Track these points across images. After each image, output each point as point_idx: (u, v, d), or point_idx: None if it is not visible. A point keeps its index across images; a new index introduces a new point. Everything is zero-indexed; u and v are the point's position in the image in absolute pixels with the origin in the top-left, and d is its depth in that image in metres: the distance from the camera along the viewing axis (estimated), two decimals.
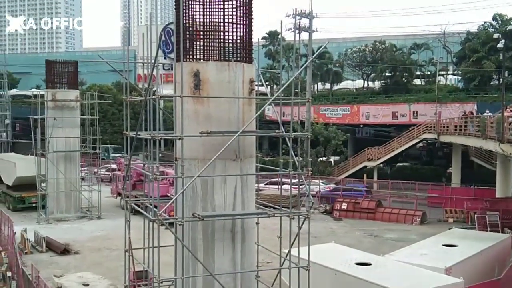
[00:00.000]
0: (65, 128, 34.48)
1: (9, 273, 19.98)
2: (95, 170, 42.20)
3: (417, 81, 67.61)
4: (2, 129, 56.36)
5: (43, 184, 34.61)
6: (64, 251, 25.58)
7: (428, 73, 68.88)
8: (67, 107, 34.81)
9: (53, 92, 34.74)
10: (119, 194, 37.57)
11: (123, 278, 15.10)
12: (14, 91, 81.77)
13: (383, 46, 65.77)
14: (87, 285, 18.48)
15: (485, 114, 38.27)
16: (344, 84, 75.78)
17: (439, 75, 63.54)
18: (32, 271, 16.93)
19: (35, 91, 45.81)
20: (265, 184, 37.73)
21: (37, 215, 33.24)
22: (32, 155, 35.92)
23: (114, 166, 48.57)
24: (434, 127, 43.13)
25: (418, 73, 67.60)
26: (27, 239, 25.98)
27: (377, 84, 69.30)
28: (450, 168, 44.54)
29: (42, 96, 36.01)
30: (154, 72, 12.73)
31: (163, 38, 70.83)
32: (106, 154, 60.31)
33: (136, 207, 14.80)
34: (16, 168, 37.35)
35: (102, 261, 24.02)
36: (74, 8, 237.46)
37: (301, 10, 46.99)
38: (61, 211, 34.55)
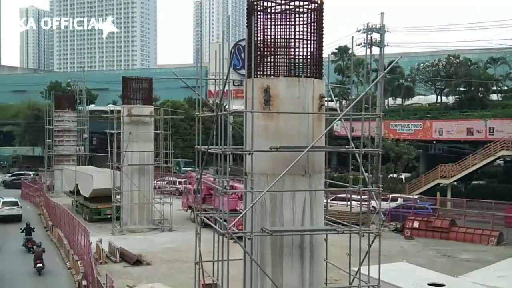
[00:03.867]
0: (140, 142, 35.61)
1: (84, 282, 20.74)
2: (159, 182, 43.28)
3: (494, 96, 65.09)
4: (80, 143, 58.79)
5: (118, 196, 35.80)
6: (137, 262, 26.23)
7: (506, 88, 66.14)
8: (142, 122, 35.97)
9: (129, 107, 36.03)
10: (190, 207, 38.27)
11: None
12: (92, 107, 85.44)
13: (457, 60, 63.86)
14: None
15: None
16: (416, 99, 74.07)
17: None
18: (107, 281, 17.48)
19: (111, 107, 47.75)
20: (331, 200, 37.32)
21: (112, 226, 34.37)
22: (108, 168, 37.22)
23: (175, 179, 49.36)
24: (511, 144, 41.30)
25: (494, 88, 65.08)
26: (102, 249, 26.87)
27: (451, 99, 67.27)
28: None
29: (119, 111, 37.41)
30: (226, 88, 12.97)
31: (234, 54, 72.10)
32: (177, 168, 61.75)
33: (206, 220, 15.06)
34: (93, 181, 38.78)
35: (173, 272, 24.47)
36: (149, 27, 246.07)
37: (372, 25, 46.49)
38: (134, 223, 35.58)
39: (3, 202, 39.19)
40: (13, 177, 62.30)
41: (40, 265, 24.37)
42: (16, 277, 23.98)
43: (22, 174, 63.60)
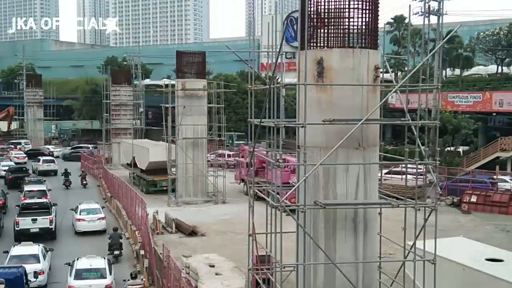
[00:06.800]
0: (194, 116, 35.97)
1: (142, 252, 21.38)
2: (212, 156, 43.69)
3: None
4: (137, 117, 60.07)
5: (173, 169, 36.48)
6: (192, 233, 26.82)
7: None
8: (196, 96, 36.28)
9: (183, 81, 36.37)
10: (243, 180, 38.60)
11: (246, 261, 15.56)
12: (147, 81, 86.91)
13: None
14: (213, 266, 19.28)
15: None
16: (475, 70, 71.44)
17: None
18: (163, 251, 17.93)
19: (166, 81, 48.27)
20: (385, 174, 36.67)
21: (168, 198, 35.17)
22: (164, 142, 37.88)
23: (224, 152, 49.55)
24: None
25: None
26: (159, 220, 27.58)
27: None
28: None
29: (173, 85, 37.84)
30: (278, 61, 12.86)
31: (286, 26, 71.37)
32: (230, 141, 62.26)
33: (259, 193, 15.14)
34: (149, 154, 39.62)
35: (227, 243, 24.86)
36: (202, 0, 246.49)
37: None
38: (189, 195, 36.24)
39: (43, 160, 50.90)
40: (71, 150, 64.42)
41: (85, 182, 41.93)
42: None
43: (81, 147, 65.67)
